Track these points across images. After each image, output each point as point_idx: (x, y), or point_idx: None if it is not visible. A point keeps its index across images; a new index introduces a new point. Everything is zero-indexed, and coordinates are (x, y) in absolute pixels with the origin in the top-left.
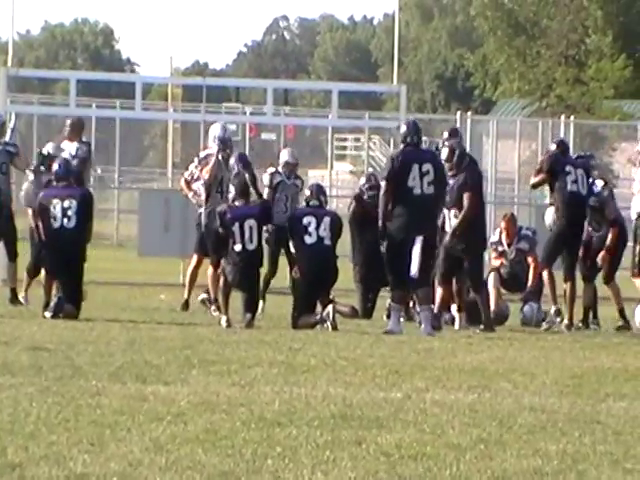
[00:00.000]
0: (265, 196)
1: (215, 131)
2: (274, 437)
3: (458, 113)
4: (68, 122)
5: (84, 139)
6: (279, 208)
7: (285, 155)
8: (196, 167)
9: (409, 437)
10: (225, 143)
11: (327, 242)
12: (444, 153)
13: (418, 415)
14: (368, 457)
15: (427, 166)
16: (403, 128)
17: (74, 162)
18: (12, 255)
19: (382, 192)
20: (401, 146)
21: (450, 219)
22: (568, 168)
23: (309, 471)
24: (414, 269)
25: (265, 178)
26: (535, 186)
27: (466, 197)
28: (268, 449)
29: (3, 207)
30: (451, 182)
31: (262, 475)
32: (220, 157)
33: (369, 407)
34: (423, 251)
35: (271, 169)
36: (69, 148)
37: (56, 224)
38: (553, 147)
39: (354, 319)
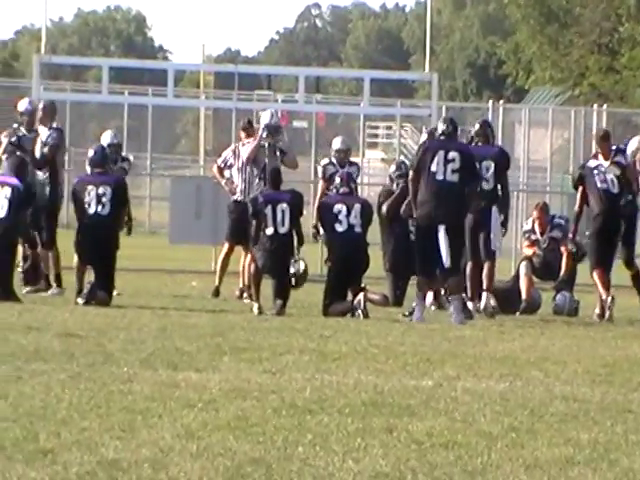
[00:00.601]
0: (320, 188)
1: (264, 118)
2: (305, 424)
3: (490, 101)
4: (40, 106)
5: (55, 125)
6: None
7: (337, 143)
8: (233, 152)
9: (440, 425)
10: (271, 130)
11: (358, 230)
12: None
13: (449, 403)
14: (399, 445)
15: (454, 154)
16: (441, 126)
17: (44, 149)
18: (49, 241)
19: (409, 179)
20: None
21: None
22: (596, 171)
23: (340, 458)
24: (446, 260)
25: (319, 170)
26: (580, 207)
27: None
28: (299, 436)
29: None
30: None
31: (293, 462)
32: (266, 144)
33: (400, 395)
34: (450, 241)
35: (325, 160)
36: (42, 133)
37: (90, 210)
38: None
39: (385, 307)
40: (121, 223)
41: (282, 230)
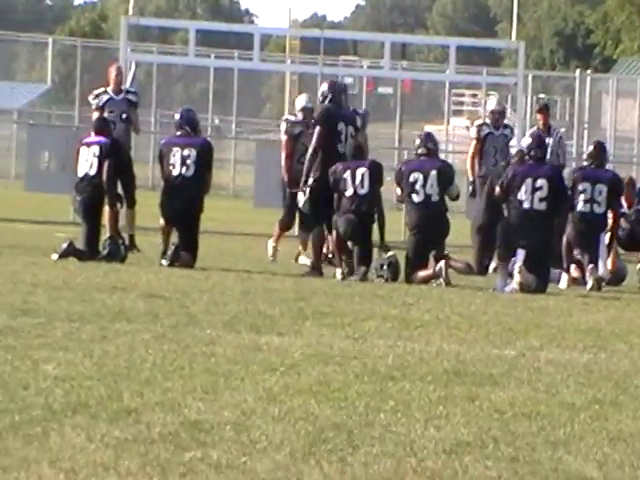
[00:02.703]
0: (472, 148)
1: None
2: (387, 391)
3: (577, 71)
4: None
5: None
6: (488, 161)
7: (492, 104)
8: None
9: (523, 395)
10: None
11: (435, 198)
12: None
13: (532, 373)
14: (481, 414)
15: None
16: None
17: None
18: (131, 202)
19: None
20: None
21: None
22: None
23: (421, 426)
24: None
25: (472, 131)
26: None
27: (316, 132)
28: (381, 403)
29: (123, 157)
30: None
31: (374, 428)
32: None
33: (482, 364)
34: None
35: (479, 121)
36: None
37: (174, 172)
38: None
39: (469, 275)
40: (206, 187)
41: (362, 191)
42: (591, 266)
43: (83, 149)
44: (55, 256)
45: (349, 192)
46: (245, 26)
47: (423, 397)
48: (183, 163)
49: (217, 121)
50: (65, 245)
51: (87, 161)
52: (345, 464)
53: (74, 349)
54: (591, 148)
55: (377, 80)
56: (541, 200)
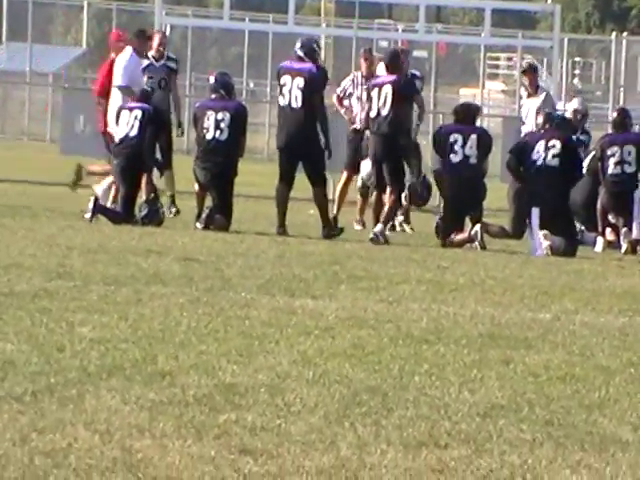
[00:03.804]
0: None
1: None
2: (421, 354)
3: (613, 34)
4: None
5: None
6: None
7: (575, 103)
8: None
9: (557, 358)
10: None
11: (473, 161)
12: None
13: (567, 337)
14: (516, 377)
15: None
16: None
17: None
18: (168, 164)
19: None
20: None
21: None
22: None
23: (456, 389)
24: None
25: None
26: None
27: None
28: (415, 366)
29: (163, 123)
30: None
31: (409, 391)
32: None
33: (517, 327)
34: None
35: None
36: None
37: (208, 136)
38: None
39: (503, 239)
40: (240, 151)
41: (384, 112)
42: (625, 229)
43: (124, 112)
44: (88, 215)
45: (373, 113)
46: None
47: (457, 360)
48: (217, 127)
49: (252, 85)
50: (91, 205)
51: (128, 124)
52: (379, 427)
53: (109, 312)
54: (615, 115)
55: (412, 43)
56: (554, 156)
